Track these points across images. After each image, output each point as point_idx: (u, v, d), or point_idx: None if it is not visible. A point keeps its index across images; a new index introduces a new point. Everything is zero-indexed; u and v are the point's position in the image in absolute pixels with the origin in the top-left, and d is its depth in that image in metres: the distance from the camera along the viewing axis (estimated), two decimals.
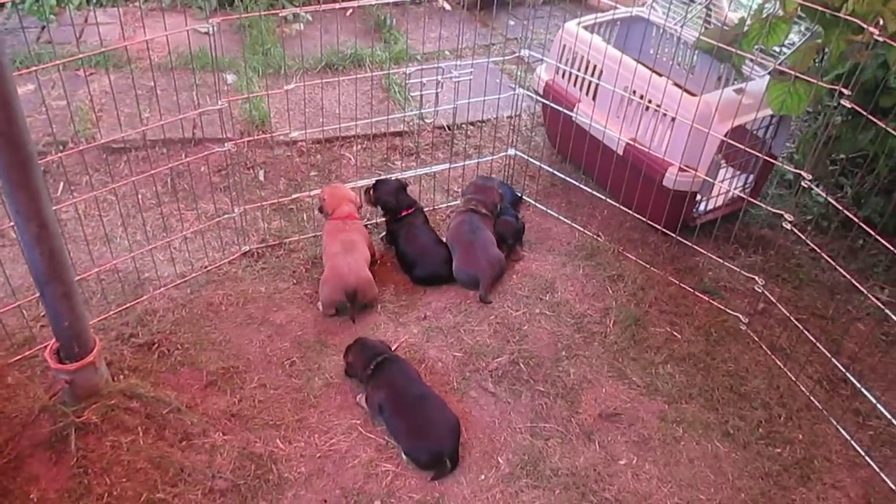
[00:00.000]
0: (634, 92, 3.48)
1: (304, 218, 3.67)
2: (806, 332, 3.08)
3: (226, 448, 2.66)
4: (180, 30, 3.07)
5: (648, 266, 3.51)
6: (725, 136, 3.22)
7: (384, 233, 3.62)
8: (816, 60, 3.45)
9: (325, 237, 3.33)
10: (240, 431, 2.73)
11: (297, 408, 2.83)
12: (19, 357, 2.88)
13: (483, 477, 2.65)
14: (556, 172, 3.93)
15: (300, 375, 2.95)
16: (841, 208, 2.89)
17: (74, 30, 4.84)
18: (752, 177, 3.72)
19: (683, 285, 3.43)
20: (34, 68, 2.88)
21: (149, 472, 2.55)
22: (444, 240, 3.50)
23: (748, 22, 3.23)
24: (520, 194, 3.89)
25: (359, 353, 2.87)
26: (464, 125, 4.39)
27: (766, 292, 3.23)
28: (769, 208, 3.28)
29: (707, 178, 3.37)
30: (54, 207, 2.37)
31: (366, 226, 3.51)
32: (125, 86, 4.16)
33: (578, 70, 3.78)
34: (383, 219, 3.60)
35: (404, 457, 2.67)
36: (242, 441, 2.69)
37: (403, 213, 3.50)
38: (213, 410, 2.79)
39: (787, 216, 3.05)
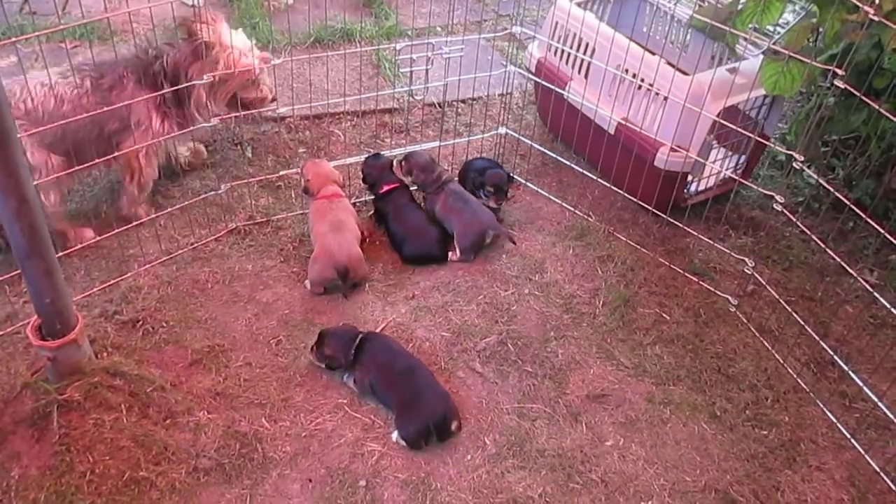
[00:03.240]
0: (627, 70, 3.45)
1: (292, 195, 3.63)
2: (794, 315, 3.08)
3: (210, 427, 2.64)
4: (165, 1, 3.01)
5: (638, 247, 3.49)
6: (718, 116, 3.20)
7: (372, 211, 3.59)
8: (811, 40, 3.41)
9: (312, 217, 3.30)
10: (224, 410, 2.71)
11: (283, 387, 2.81)
12: (1, 333, 2.85)
13: (469, 457, 2.65)
14: (547, 151, 3.90)
15: (286, 354, 2.93)
16: (832, 190, 2.87)
17: (57, 1, 4.74)
18: (743, 157, 3.69)
19: (673, 266, 3.41)
20: (15, 39, 2.82)
21: (132, 450, 2.53)
22: (434, 218, 3.47)
23: (742, 0, 3.19)
24: (510, 173, 3.85)
25: (335, 343, 2.81)
26: (454, 102, 4.35)
27: (755, 274, 3.22)
28: (760, 189, 3.26)
29: (698, 159, 3.35)
30: (35, 183, 2.32)
31: (353, 204, 3.48)
32: (109, 58, 4.08)
33: (571, 48, 3.74)
34: (371, 196, 3.58)
35: (394, 436, 2.67)
36: (227, 420, 2.68)
37: (385, 189, 3.47)
38: (197, 389, 2.77)
39: (778, 198, 3.03)
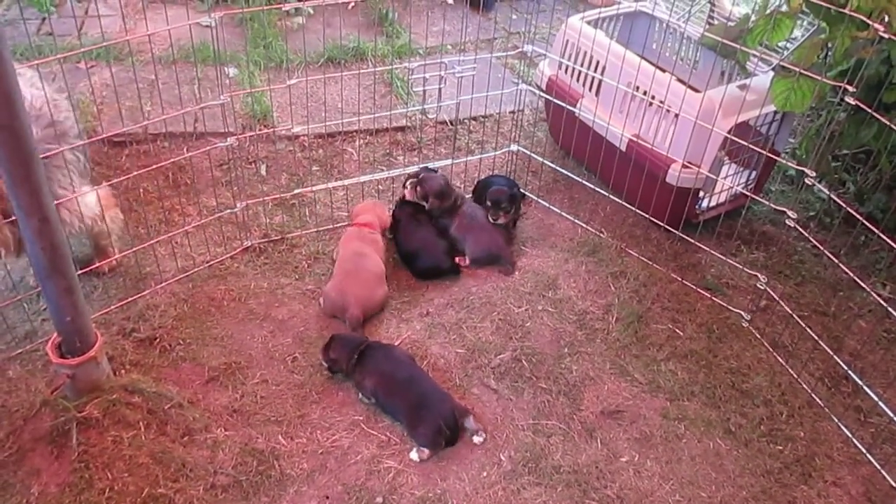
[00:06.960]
0: (638, 88, 3.47)
1: (307, 213, 3.67)
2: (808, 329, 3.08)
3: (227, 444, 2.66)
4: (182, 24, 3.06)
5: (651, 263, 3.50)
6: (729, 132, 3.21)
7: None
8: (820, 56, 3.43)
9: (341, 242, 3.36)
10: (241, 427, 2.73)
11: (299, 404, 2.83)
12: (20, 351, 2.88)
13: (485, 474, 2.65)
14: (558, 168, 3.92)
15: (302, 371, 2.95)
16: (843, 205, 2.88)
17: (76, 21, 4.82)
18: (754, 173, 3.70)
19: (686, 282, 3.42)
20: (35, 62, 2.87)
21: (150, 467, 2.54)
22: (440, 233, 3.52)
23: (753, 18, 3.21)
24: (522, 190, 3.87)
25: (340, 348, 2.88)
26: (466, 120, 4.38)
27: (768, 289, 3.22)
28: (772, 205, 3.27)
29: (710, 175, 3.36)
30: (56, 202, 2.36)
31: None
32: (126, 79, 4.14)
33: (581, 65, 3.77)
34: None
35: (413, 454, 2.68)
36: (244, 437, 2.69)
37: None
38: (214, 406, 2.79)
39: (789, 213, 3.04)
